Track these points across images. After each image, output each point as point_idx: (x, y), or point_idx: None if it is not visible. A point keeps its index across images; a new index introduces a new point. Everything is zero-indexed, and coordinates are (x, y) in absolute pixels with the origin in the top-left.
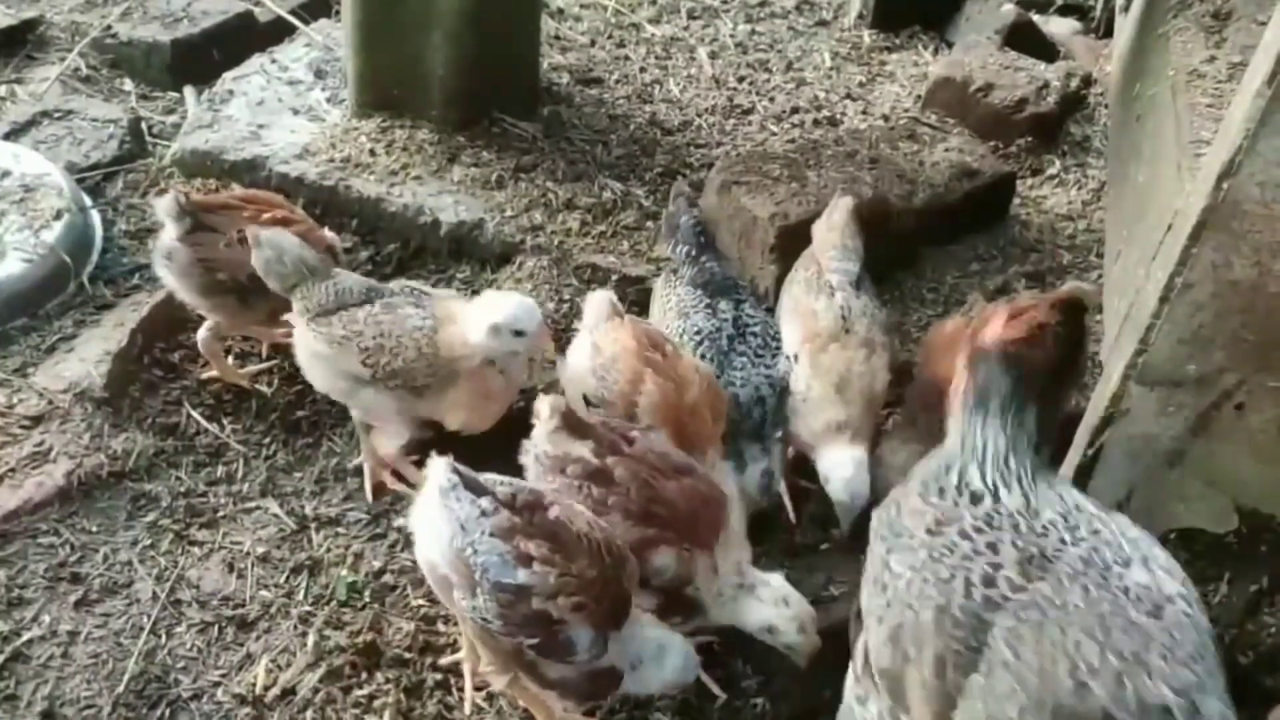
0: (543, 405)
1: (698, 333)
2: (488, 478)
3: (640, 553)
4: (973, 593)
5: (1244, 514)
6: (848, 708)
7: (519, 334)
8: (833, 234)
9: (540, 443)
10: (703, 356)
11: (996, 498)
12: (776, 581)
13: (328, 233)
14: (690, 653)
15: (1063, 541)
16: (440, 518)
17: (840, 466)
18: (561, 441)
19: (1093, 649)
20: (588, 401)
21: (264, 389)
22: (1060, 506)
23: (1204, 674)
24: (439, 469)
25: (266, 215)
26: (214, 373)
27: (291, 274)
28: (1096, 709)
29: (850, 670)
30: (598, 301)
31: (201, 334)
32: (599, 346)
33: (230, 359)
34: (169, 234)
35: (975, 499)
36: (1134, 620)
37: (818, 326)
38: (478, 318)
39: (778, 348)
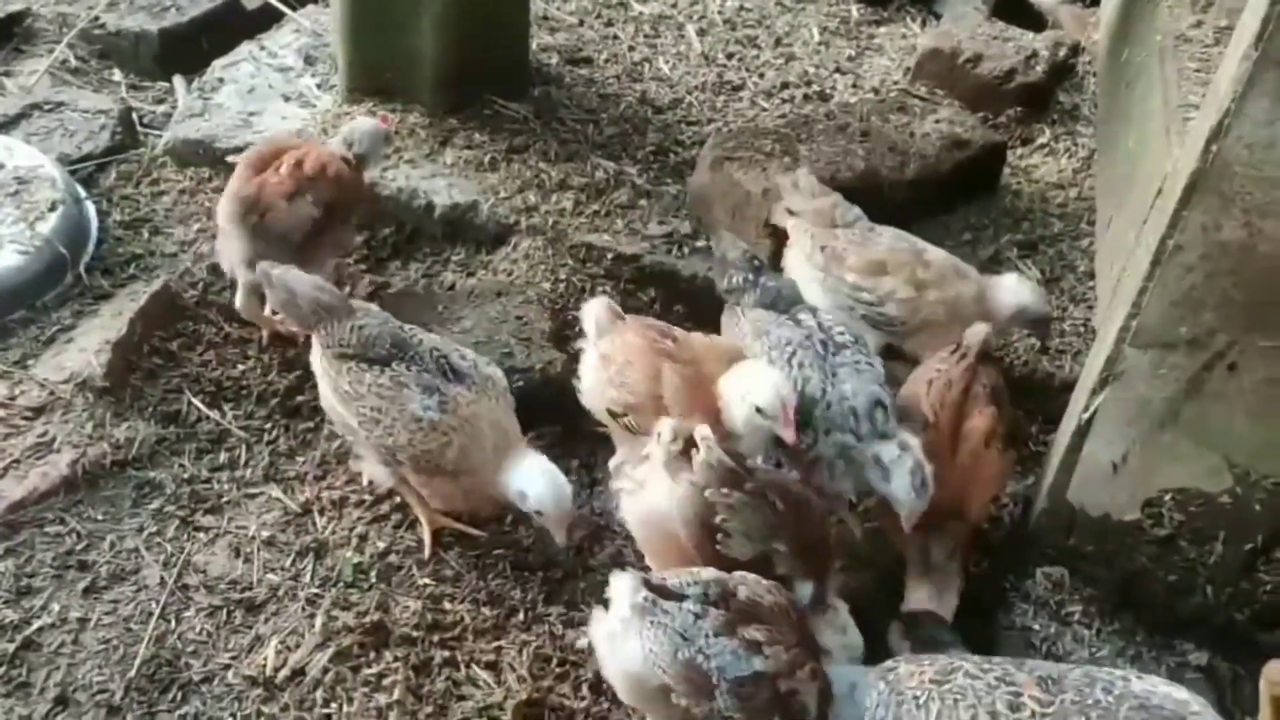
0: (665, 427)
1: (787, 343)
2: (673, 581)
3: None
4: None
5: (1237, 472)
6: None
7: (539, 514)
8: (821, 198)
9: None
10: (800, 366)
11: None
12: (843, 609)
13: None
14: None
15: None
16: (651, 634)
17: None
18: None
19: None
20: (613, 415)
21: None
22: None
23: None
24: (628, 586)
25: (284, 166)
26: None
27: (309, 315)
28: None
29: None
30: (595, 310)
31: (239, 301)
32: (608, 356)
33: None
34: (239, 243)
35: None
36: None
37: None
38: (525, 480)
39: (868, 347)
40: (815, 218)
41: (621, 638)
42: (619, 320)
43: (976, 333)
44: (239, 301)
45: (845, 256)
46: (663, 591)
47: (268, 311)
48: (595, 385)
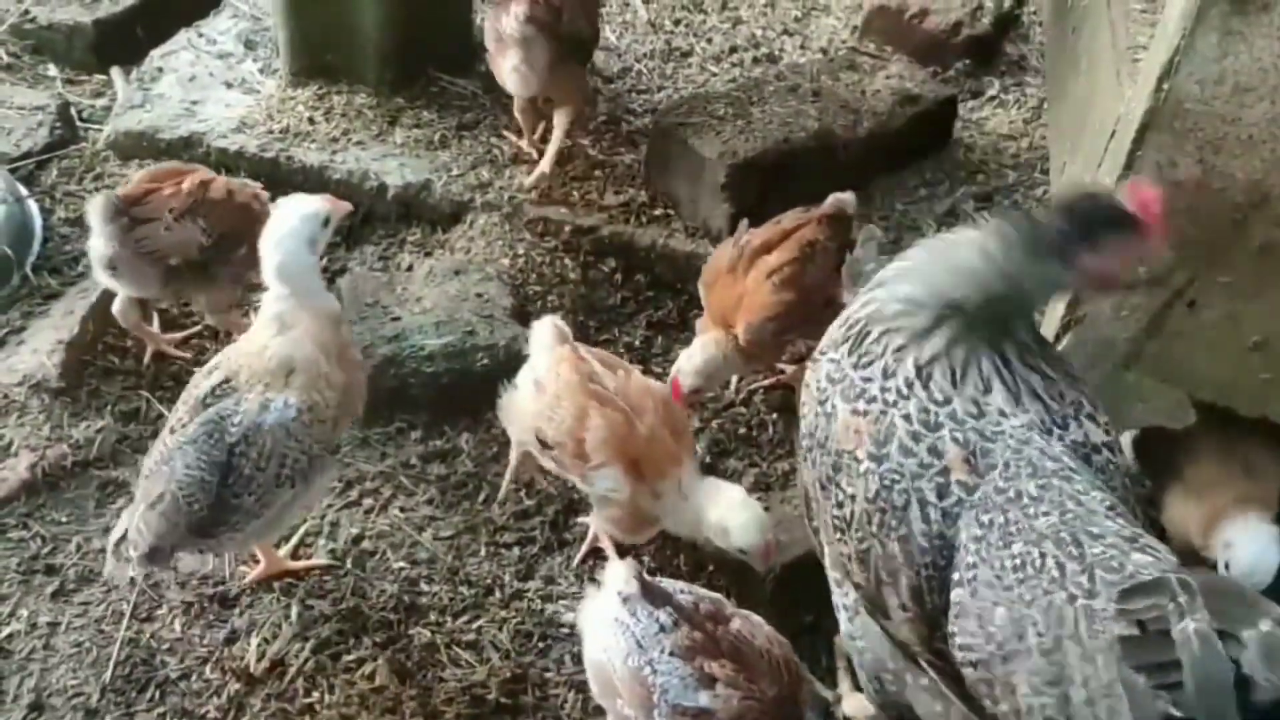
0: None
1: None
2: (670, 584)
3: None
4: (930, 513)
5: (1199, 408)
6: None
7: None
8: None
9: None
10: None
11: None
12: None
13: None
14: None
15: (1001, 414)
16: (617, 629)
17: None
18: None
19: (1065, 553)
20: (543, 444)
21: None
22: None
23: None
24: (620, 574)
25: (187, 183)
26: (155, 348)
27: None
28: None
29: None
30: (541, 330)
31: (116, 307)
32: (542, 384)
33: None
34: (104, 241)
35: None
36: (1082, 504)
37: None
38: None
39: None
40: None
41: (598, 624)
42: (562, 344)
43: (839, 197)
44: (115, 307)
45: None
46: (649, 590)
47: (155, 327)
48: (524, 409)
